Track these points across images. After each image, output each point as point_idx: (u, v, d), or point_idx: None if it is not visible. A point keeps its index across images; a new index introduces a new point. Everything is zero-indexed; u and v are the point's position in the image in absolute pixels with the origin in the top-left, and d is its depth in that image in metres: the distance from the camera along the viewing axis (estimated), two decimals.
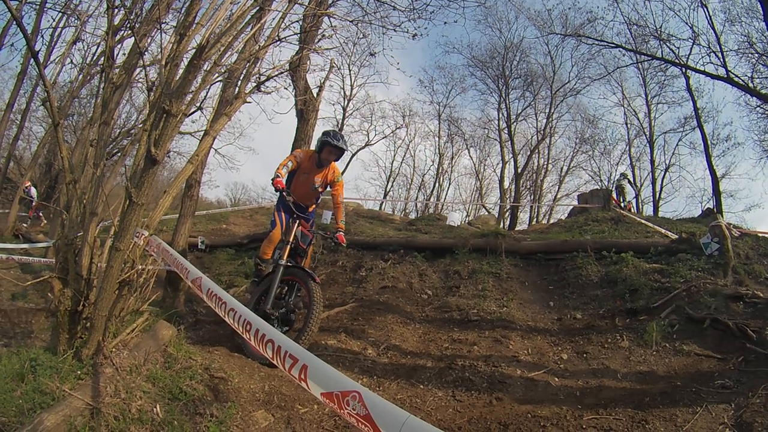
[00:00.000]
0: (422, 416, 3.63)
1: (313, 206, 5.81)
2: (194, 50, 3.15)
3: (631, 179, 16.05)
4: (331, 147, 5.31)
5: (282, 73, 4.76)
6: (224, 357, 4.03)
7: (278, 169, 5.15)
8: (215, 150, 20.86)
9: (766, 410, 3.22)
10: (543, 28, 21.90)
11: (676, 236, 7.87)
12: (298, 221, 5.25)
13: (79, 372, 3.08)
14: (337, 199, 5.72)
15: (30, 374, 2.99)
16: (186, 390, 3.22)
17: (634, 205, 17.11)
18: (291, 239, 5.11)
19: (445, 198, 31.89)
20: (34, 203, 16.86)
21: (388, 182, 32.47)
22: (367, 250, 8.45)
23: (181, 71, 3.22)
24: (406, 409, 3.67)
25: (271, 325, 4.14)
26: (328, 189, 5.71)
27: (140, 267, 3.56)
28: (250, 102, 4.03)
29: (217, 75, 3.59)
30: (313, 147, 6.42)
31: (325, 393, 1.60)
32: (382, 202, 29.33)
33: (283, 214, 5.45)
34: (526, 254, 8.11)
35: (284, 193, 5.16)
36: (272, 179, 5.04)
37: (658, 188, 26.02)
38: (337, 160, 5.51)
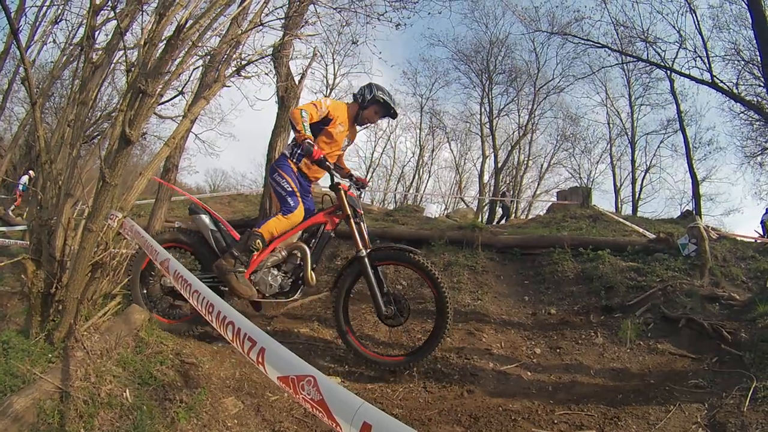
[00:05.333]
0: (392, 407, 3.65)
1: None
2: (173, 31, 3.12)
3: None
4: (379, 106, 4.23)
5: (263, 57, 4.69)
6: (196, 343, 4.01)
7: (302, 127, 3.81)
8: (195, 135, 20.67)
9: (740, 411, 3.22)
10: (529, 25, 22.17)
11: (654, 236, 7.95)
12: (341, 186, 4.00)
13: (50, 355, 3.04)
14: (342, 159, 4.71)
15: (2, 357, 2.94)
16: (156, 375, 3.19)
17: None
18: (360, 211, 4.05)
19: (424, 190, 32.09)
20: (17, 191, 16.55)
21: (367, 172, 32.66)
22: (343, 239, 8.36)
23: (159, 52, 3.19)
24: (376, 399, 3.74)
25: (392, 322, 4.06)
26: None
27: (113, 249, 3.52)
28: (229, 86, 3.99)
29: (196, 57, 3.55)
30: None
31: (281, 377, 1.58)
32: (361, 193, 29.37)
33: (297, 183, 4.19)
34: (503, 248, 8.08)
35: (328, 165, 3.93)
36: (307, 145, 3.76)
37: (637, 188, 26.48)
38: (375, 123, 4.49)
